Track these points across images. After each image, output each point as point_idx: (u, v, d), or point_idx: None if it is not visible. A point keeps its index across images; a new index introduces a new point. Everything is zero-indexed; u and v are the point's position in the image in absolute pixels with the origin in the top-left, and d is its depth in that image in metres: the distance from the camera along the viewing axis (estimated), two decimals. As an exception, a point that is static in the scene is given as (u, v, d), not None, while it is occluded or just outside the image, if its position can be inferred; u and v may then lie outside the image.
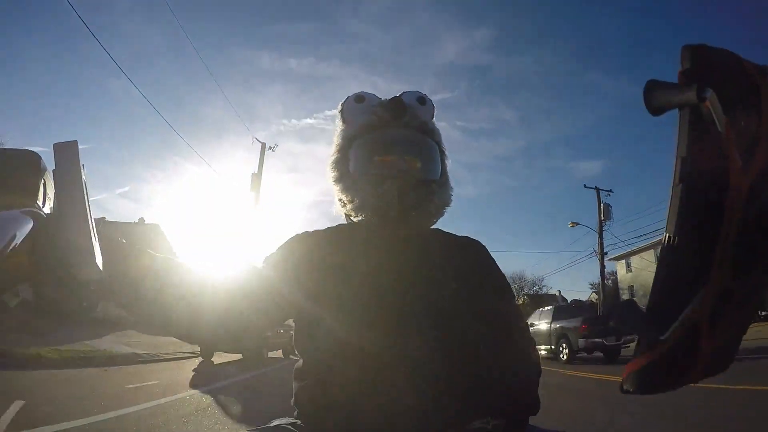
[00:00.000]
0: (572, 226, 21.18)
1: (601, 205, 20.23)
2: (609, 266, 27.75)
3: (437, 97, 0.92)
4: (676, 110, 0.46)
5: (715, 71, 0.45)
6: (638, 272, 29.50)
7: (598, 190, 20.56)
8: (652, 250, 26.14)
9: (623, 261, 31.41)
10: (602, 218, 20.20)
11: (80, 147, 0.57)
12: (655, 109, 0.47)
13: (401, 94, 0.88)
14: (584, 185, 21.01)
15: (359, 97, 0.88)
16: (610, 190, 21.09)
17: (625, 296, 30.63)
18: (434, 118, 0.92)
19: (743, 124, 0.44)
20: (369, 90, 0.92)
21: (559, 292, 34.64)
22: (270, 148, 16.16)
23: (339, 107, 0.90)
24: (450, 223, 0.97)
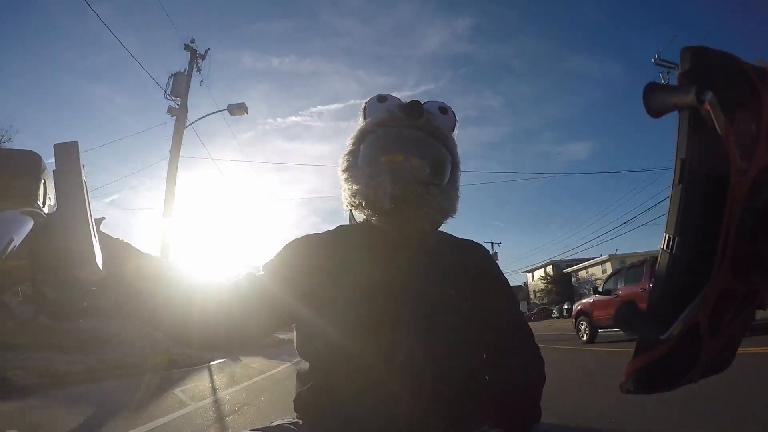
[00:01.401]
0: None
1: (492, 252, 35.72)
2: (523, 276, 54.73)
3: (422, 89, 0.91)
4: (676, 112, 0.47)
5: (714, 73, 0.45)
6: (536, 282, 50.18)
7: (492, 243, 37.02)
8: (542, 269, 49.00)
9: (530, 273, 53.40)
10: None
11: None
12: (655, 112, 0.47)
13: (425, 102, 0.89)
14: (483, 241, 37.50)
15: (382, 97, 0.90)
16: (500, 243, 38.07)
17: (531, 296, 49.91)
18: (455, 132, 0.91)
19: (742, 125, 0.44)
20: (352, 83, 0.94)
21: (525, 284, 54.38)
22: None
23: (363, 105, 0.91)
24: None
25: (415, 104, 0.84)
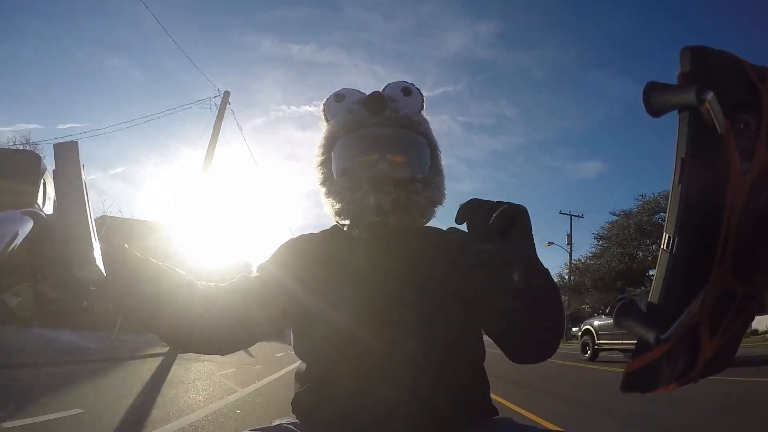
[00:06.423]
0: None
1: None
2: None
3: (439, 90, 0.90)
4: (676, 112, 0.47)
5: (714, 73, 0.45)
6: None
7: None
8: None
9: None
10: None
11: (75, 125, 0.56)
12: (655, 111, 0.47)
13: (385, 87, 0.86)
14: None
15: (339, 96, 0.86)
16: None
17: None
18: (424, 109, 0.88)
19: (743, 125, 0.44)
20: (369, 78, 0.92)
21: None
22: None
23: (321, 107, 0.88)
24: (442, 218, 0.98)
25: (376, 98, 0.81)
